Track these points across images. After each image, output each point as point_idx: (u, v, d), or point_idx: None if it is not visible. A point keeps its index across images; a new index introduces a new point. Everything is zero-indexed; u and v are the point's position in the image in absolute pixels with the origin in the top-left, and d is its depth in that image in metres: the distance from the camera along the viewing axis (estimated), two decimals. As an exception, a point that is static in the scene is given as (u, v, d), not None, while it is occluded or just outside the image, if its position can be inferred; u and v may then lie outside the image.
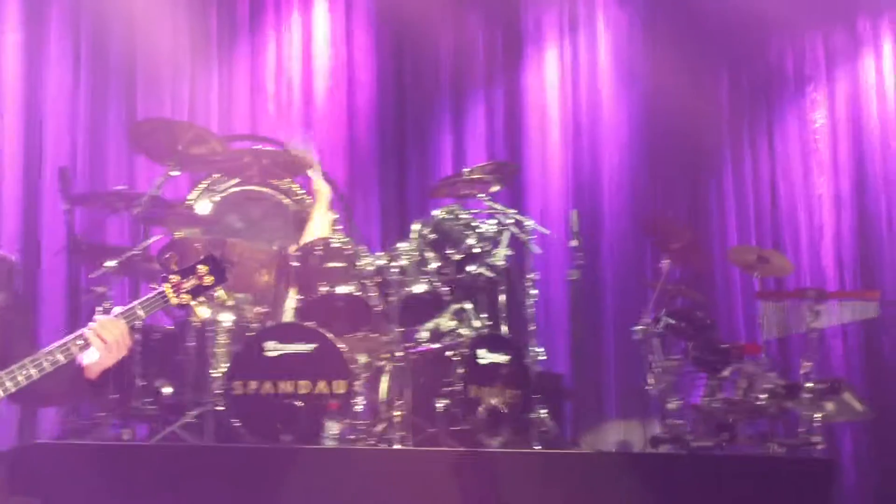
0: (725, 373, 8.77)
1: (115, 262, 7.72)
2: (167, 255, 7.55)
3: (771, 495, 7.73)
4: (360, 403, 7.53)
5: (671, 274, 9.36)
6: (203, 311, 7.20)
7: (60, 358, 4.43)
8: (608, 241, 10.74)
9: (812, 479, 8.01)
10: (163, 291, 4.53)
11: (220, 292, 4.59)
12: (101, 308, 7.74)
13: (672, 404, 8.83)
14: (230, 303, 7.92)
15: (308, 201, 9.29)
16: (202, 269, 4.54)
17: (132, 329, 4.56)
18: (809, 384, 8.75)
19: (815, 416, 8.69)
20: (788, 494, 7.80)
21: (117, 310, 4.52)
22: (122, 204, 7.94)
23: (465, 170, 8.76)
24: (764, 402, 8.67)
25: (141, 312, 4.51)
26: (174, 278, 4.51)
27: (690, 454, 8.46)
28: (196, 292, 4.57)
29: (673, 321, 8.98)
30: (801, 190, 11.34)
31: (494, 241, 8.34)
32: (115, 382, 7.34)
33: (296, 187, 9.41)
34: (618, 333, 10.34)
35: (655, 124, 11.11)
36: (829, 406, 9.04)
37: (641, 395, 9.11)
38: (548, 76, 10.99)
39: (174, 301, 4.53)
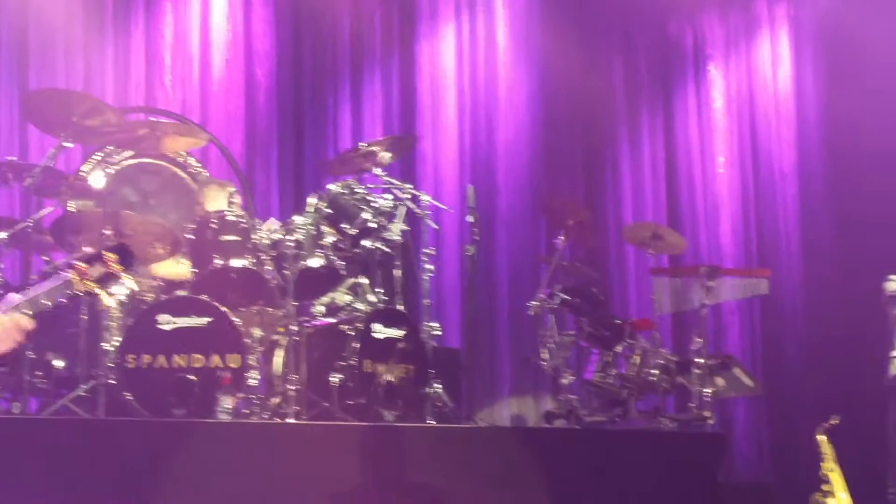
0: (618, 349, 8.84)
1: (6, 233, 7.63)
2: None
3: (662, 469, 7.84)
4: (254, 377, 7.52)
5: (566, 250, 9.42)
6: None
7: None
8: (504, 217, 10.77)
9: (702, 452, 8.14)
10: (68, 278, 4.43)
11: (128, 281, 4.50)
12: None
13: (566, 380, 8.87)
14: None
15: (204, 175, 9.24)
16: (110, 256, 4.44)
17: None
18: (700, 360, 8.87)
19: (706, 391, 8.81)
20: (679, 468, 7.92)
21: (16, 297, 4.42)
22: (14, 175, 7.83)
23: (361, 143, 8.77)
24: (656, 378, 8.77)
25: (46, 301, 4.41)
26: (81, 265, 4.41)
27: (583, 429, 8.54)
28: (103, 280, 4.47)
29: (567, 297, 9.03)
30: (699, 167, 11.46)
31: (390, 215, 8.37)
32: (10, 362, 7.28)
33: (192, 160, 9.34)
34: (513, 309, 10.39)
35: (553, 101, 11.15)
36: (720, 381, 9.17)
37: (535, 370, 9.16)
38: (445, 52, 10.99)
39: (80, 288, 4.42)
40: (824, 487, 9.13)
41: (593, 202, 11.02)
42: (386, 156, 8.65)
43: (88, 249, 4.55)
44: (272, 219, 8.91)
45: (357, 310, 8.12)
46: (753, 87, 11.63)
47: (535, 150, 11.03)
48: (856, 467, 9.45)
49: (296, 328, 7.75)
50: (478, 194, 9.41)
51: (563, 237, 9.32)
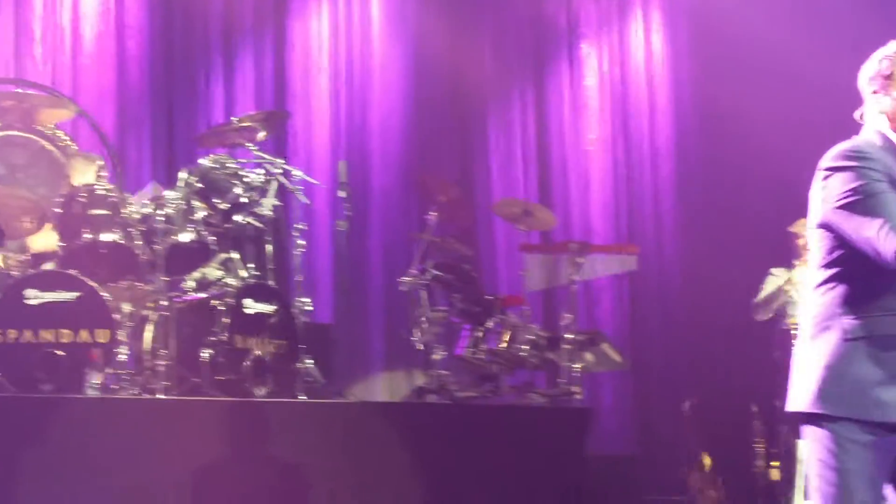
0: (489, 324, 8.90)
1: None
2: None
3: (532, 443, 7.95)
4: (123, 353, 7.46)
5: (438, 226, 9.47)
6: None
7: None
8: (377, 193, 10.76)
9: (570, 426, 8.27)
10: None
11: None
12: None
13: (437, 355, 8.92)
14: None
15: (73, 148, 9.14)
16: None
17: None
18: (570, 336, 8.99)
19: (575, 366, 8.93)
20: (548, 442, 8.04)
21: None
22: None
23: (233, 118, 8.75)
24: (526, 353, 8.85)
25: None
26: None
27: (454, 404, 8.60)
28: None
29: (439, 273, 9.07)
30: (571, 145, 11.54)
31: (262, 190, 8.35)
32: None
33: (60, 133, 9.23)
34: (385, 285, 10.40)
35: (426, 78, 11.16)
36: (589, 357, 9.30)
37: (407, 346, 9.20)
38: (320, 28, 10.94)
39: None
40: (692, 462, 9.35)
41: (466, 179, 11.06)
42: (261, 134, 8.67)
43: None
44: (153, 182, 8.88)
45: (228, 285, 8.08)
46: (627, 67, 11.75)
47: (409, 127, 11.04)
48: (721, 441, 9.68)
49: (166, 303, 7.72)
50: (351, 170, 9.43)
51: (435, 213, 9.38)
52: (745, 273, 10.01)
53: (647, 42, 11.80)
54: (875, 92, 4.22)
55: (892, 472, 4.09)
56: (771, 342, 9.34)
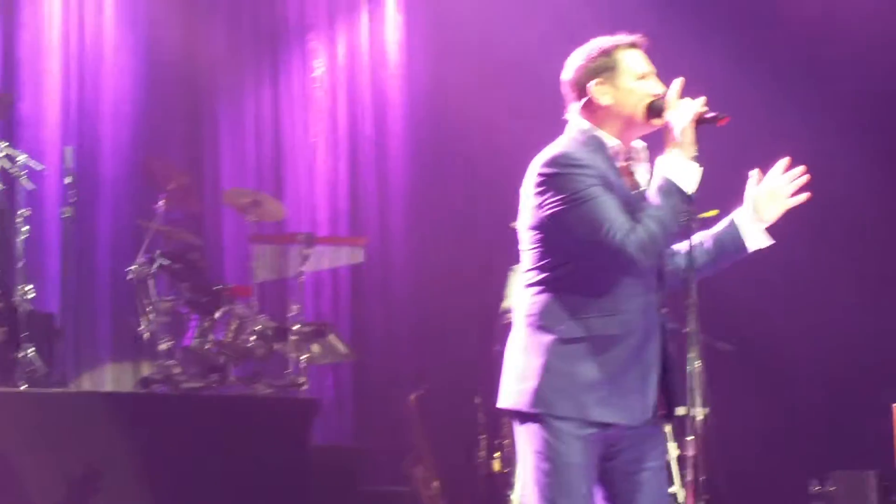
0: (217, 315, 8.89)
1: None
2: None
3: (256, 433, 7.98)
4: None
5: (167, 214, 9.41)
6: None
7: None
8: (106, 180, 10.59)
9: (295, 417, 8.34)
10: None
11: None
12: None
13: (164, 345, 8.88)
14: None
15: None
16: None
17: None
18: (297, 327, 9.04)
19: (302, 357, 8.99)
20: (274, 432, 8.08)
21: None
22: None
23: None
24: (253, 344, 8.86)
25: None
26: None
27: (180, 395, 8.57)
28: None
29: (167, 262, 9.02)
30: (302, 136, 11.53)
31: (-18, 175, 8.18)
32: None
33: None
34: (113, 273, 10.24)
35: (159, 64, 11.03)
36: (315, 348, 9.37)
37: (134, 335, 9.11)
38: (51, 8, 10.71)
39: None
40: (413, 454, 9.49)
41: (196, 168, 10.97)
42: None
43: None
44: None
45: (-56, 271, 7.91)
46: (357, 59, 11.74)
47: (140, 113, 10.88)
48: (445, 433, 9.84)
49: None
50: (80, 156, 9.28)
51: (163, 201, 9.32)
52: (471, 267, 10.17)
53: (380, 33, 11.79)
54: (601, 84, 4.20)
55: (599, 466, 4.20)
56: (493, 336, 9.51)
